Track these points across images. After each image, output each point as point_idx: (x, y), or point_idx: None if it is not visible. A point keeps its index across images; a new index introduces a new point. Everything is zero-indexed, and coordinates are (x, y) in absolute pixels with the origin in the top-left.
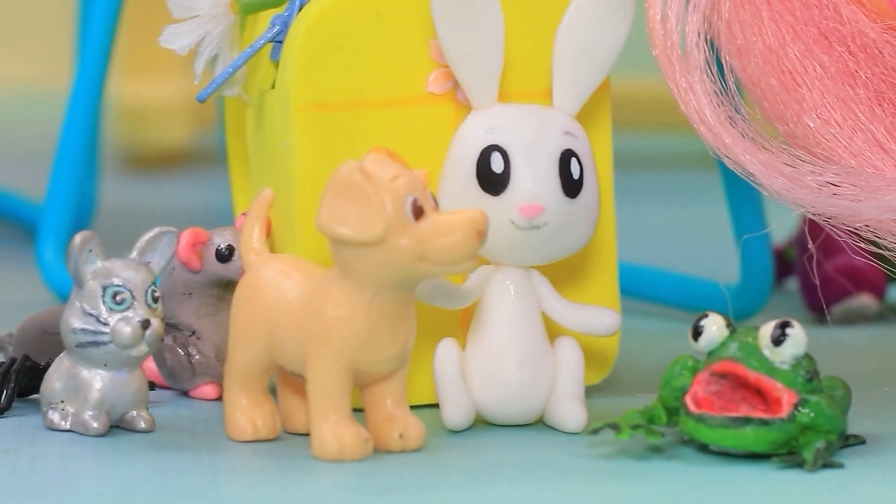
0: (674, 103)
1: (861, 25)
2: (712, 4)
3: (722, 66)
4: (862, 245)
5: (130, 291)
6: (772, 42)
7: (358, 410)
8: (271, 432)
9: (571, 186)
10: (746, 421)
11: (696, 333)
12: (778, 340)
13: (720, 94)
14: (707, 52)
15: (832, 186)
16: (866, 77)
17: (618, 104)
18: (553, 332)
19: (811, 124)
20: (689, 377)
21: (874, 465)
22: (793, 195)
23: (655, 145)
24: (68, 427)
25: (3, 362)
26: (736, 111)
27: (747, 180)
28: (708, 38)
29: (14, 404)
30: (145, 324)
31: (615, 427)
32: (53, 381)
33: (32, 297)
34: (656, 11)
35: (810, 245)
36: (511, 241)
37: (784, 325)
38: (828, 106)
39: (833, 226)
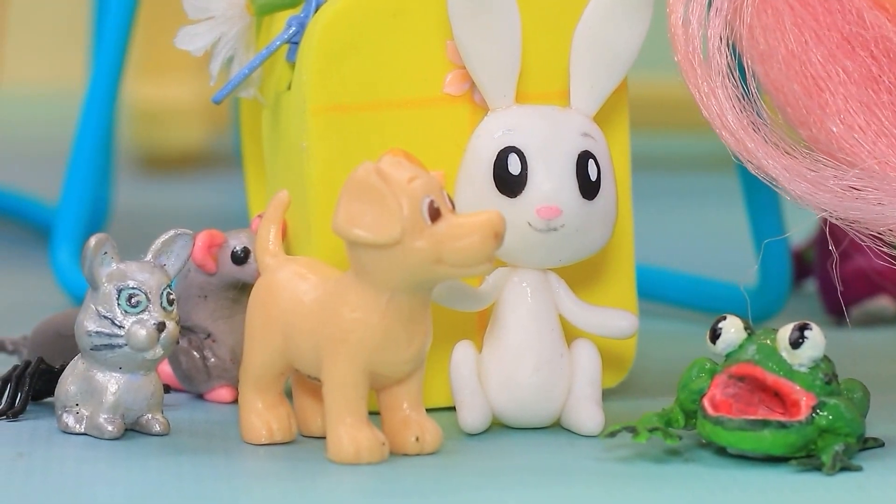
0: (693, 104)
1: (884, 30)
2: (734, 9)
3: (744, 70)
4: (885, 250)
5: (146, 294)
6: (794, 47)
7: (374, 413)
8: (287, 435)
9: (589, 188)
10: (764, 424)
11: (714, 336)
12: (796, 343)
13: (742, 100)
14: (729, 57)
15: (855, 191)
16: (889, 82)
17: (636, 105)
18: (570, 334)
19: (834, 129)
20: (706, 380)
21: (893, 468)
22: (815, 200)
23: (673, 146)
24: (83, 430)
25: (17, 365)
26: (758, 116)
27: (770, 185)
28: (730, 42)
29: (28, 407)
30: (160, 326)
31: (632, 430)
32: (68, 384)
33: (47, 300)
34: (678, 16)
35: (832, 247)
36: (528, 244)
37: (802, 328)
38: (851, 111)
39: (856, 230)
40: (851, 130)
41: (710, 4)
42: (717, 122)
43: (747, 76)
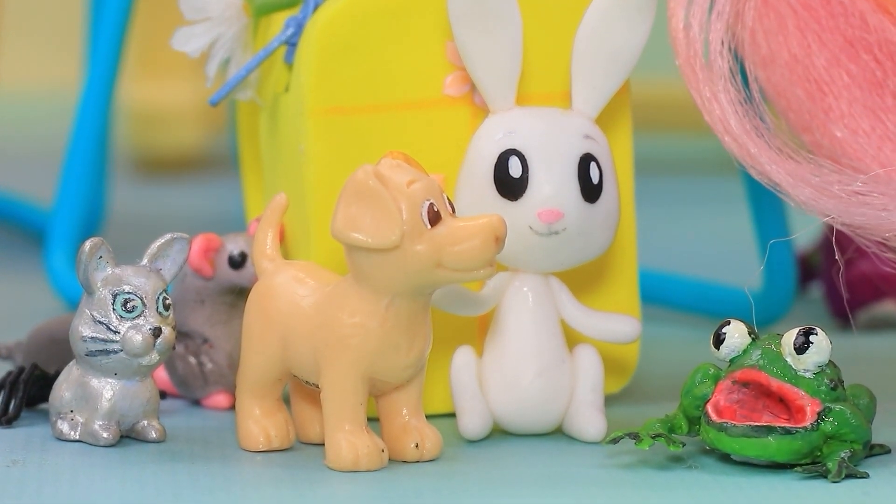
0: (696, 106)
1: (888, 33)
2: (736, 13)
3: (746, 75)
4: (890, 255)
5: (141, 299)
6: (797, 51)
7: (373, 419)
8: (285, 442)
9: (591, 191)
10: (769, 430)
11: (718, 341)
12: (801, 348)
13: (745, 104)
14: (731, 62)
15: (860, 196)
16: (894, 85)
17: (638, 106)
18: (572, 339)
19: (838, 134)
20: (710, 385)
21: None
22: (820, 205)
23: (676, 149)
24: (78, 437)
25: (11, 371)
26: (761, 121)
27: (773, 191)
28: (732, 47)
29: (23, 414)
30: (156, 332)
31: (635, 436)
32: (63, 390)
33: (41, 305)
34: (679, 20)
35: (837, 256)
36: (529, 247)
37: (807, 333)
38: (855, 115)
39: (861, 236)
40: (856, 135)
41: (711, 8)
42: (720, 128)
43: (749, 81)
